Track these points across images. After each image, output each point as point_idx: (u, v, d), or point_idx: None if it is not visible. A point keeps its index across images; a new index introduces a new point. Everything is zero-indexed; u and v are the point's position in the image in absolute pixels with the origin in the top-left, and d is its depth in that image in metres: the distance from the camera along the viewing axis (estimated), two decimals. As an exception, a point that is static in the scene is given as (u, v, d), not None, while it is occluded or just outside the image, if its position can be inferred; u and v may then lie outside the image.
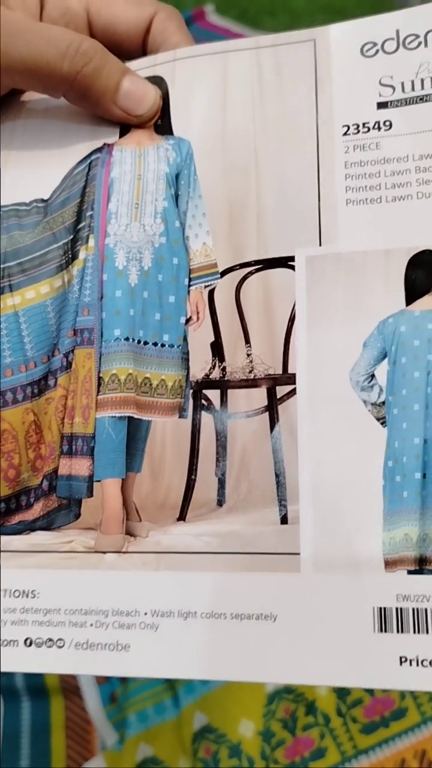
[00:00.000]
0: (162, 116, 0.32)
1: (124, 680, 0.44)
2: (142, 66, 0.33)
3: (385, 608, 0.24)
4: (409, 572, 0.25)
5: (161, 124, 0.32)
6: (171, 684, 0.42)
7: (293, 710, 0.40)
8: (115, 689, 0.44)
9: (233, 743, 0.40)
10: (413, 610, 0.24)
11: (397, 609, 0.24)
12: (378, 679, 0.24)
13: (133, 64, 0.33)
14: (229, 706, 0.41)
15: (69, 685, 0.45)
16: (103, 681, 0.45)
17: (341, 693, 0.40)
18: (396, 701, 0.40)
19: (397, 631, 0.24)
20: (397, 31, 0.30)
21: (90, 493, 0.28)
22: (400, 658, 0.24)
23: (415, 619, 0.24)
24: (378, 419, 0.26)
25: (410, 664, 0.24)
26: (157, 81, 0.32)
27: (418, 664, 0.23)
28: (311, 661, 0.24)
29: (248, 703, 0.40)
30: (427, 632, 0.24)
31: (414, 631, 0.24)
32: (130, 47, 0.34)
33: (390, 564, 0.25)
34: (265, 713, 0.40)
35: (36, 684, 0.45)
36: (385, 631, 0.24)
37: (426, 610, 0.24)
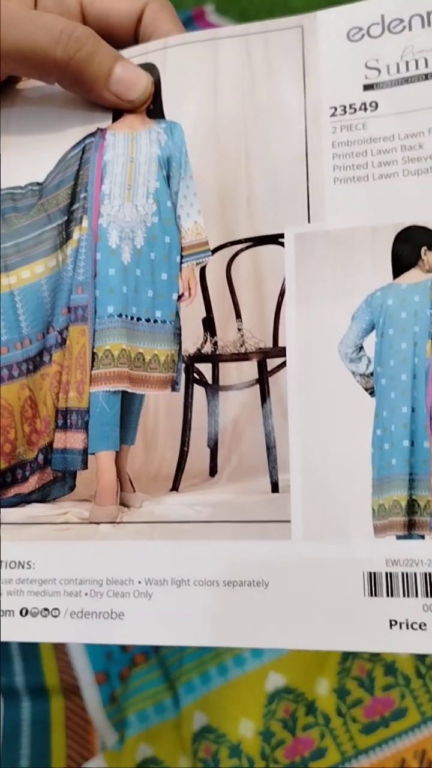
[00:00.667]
0: (154, 102, 0.32)
1: (124, 680, 0.43)
2: (134, 54, 0.33)
3: (374, 573, 0.24)
4: (398, 537, 0.25)
5: (153, 109, 0.32)
6: (171, 684, 0.42)
7: (293, 710, 0.40)
8: (115, 689, 0.44)
9: (233, 743, 0.40)
10: (402, 574, 0.24)
11: (386, 573, 0.24)
12: (368, 643, 0.24)
13: (126, 53, 0.33)
14: (229, 706, 0.40)
15: (69, 685, 0.44)
16: (103, 681, 0.44)
17: (341, 693, 0.40)
18: (396, 701, 0.39)
19: (387, 595, 0.24)
20: (382, 16, 0.30)
21: (85, 466, 0.28)
22: (390, 621, 0.24)
23: (404, 583, 0.24)
24: (366, 389, 0.26)
25: (399, 627, 0.24)
26: (149, 68, 0.32)
27: (407, 627, 0.23)
28: (303, 626, 0.24)
29: (248, 702, 0.40)
30: (416, 595, 0.24)
31: (403, 595, 0.24)
32: (123, 36, 0.34)
33: (379, 530, 0.25)
34: (265, 713, 0.40)
35: (36, 684, 0.44)
36: (375, 595, 0.24)
37: (415, 574, 0.24)
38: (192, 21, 1.17)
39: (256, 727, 0.39)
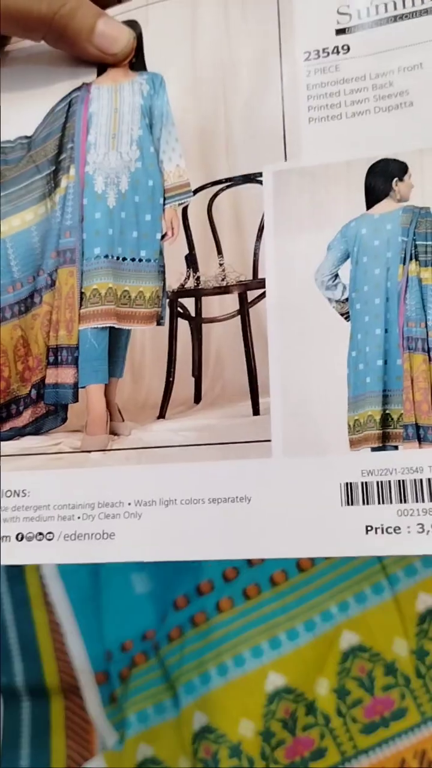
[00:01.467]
0: (136, 55, 0.33)
1: (124, 680, 0.43)
2: (117, 12, 0.34)
3: (351, 483, 0.25)
4: (373, 449, 0.26)
5: (136, 62, 0.33)
6: (171, 684, 0.42)
7: (293, 710, 0.39)
8: (114, 689, 0.43)
9: (233, 743, 0.39)
10: (377, 483, 0.25)
11: (362, 483, 0.25)
12: (346, 548, 0.25)
13: (110, 11, 0.34)
14: (229, 705, 0.40)
15: (69, 685, 0.44)
16: (102, 681, 0.44)
17: (341, 693, 0.39)
18: (396, 701, 0.39)
19: (363, 503, 0.25)
20: (353, -36, 0.31)
21: (75, 399, 0.29)
22: (366, 527, 0.25)
23: (379, 491, 0.25)
24: (342, 315, 0.27)
25: (375, 532, 0.24)
26: (132, 24, 0.33)
27: (382, 532, 0.24)
28: (284, 536, 0.25)
29: (248, 702, 0.40)
30: (391, 502, 0.25)
31: (378, 503, 0.25)
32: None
33: (355, 443, 0.26)
34: (265, 713, 0.39)
35: (36, 684, 0.44)
36: (352, 504, 0.25)
37: (389, 482, 0.25)
38: None
39: (256, 727, 0.39)
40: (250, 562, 0.41)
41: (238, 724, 0.39)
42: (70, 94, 0.33)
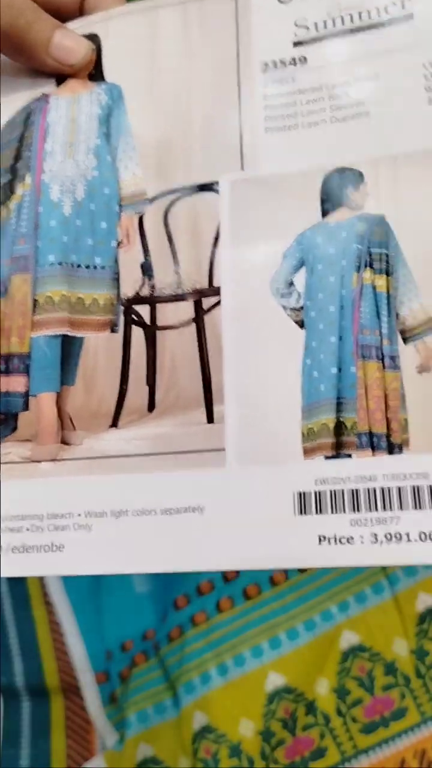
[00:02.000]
0: (96, 68, 0.33)
1: (124, 680, 0.43)
2: (77, 26, 0.34)
3: (304, 492, 0.24)
4: (327, 458, 0.25)
5: (95, 74, 0.33)
6: (171, 684, 0.42)
7: (293, 710, 0.39)
8: (115, 689, 0.43)
9: (233, 743, 0.39)
10: (330, 492, 0.24)
11: (315, 492, 0.24)
12: (299, 560, 0.24)
13: (71, 25, 0.34)
14: (229, 705, 0.40)
15: (69, 685, 0.44)
16: (103, 681, 0.44)
17: (341, 693, 0.39)
18: (396, 701, 0.39)
19: (316, 512, 0.24)
20: (311, -22, 0.32)
21: (26, 407, 0.28)
22: (319, 537, 0.24)
23: (332, 500, 0.24)
24: (297, 323, 0.27)
25: (328, 543, 0.24)
26: (91, 37, 0.33)
27: (335, 542, 0.24)
28: (238, 547, 0.25)
29: (248, 702, 0.40)
30: (344, 511, 0.24)
31: (331, 512, 0.24)
32: (69, 12, 0.35)
33: (309, 451, 0.25)
34: (265, 713, 0.39)
35: (36, 684, 0.44)
36: (305, 513, 0.24)
37: (342, 491, 0.24)
38: None
39: (256, 727, 0.39)
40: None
41: (238, 723, 0.39)
42: (29, 104, 0.33)
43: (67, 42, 0.32)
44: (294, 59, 0.30)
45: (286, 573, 0.42)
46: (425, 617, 0.40)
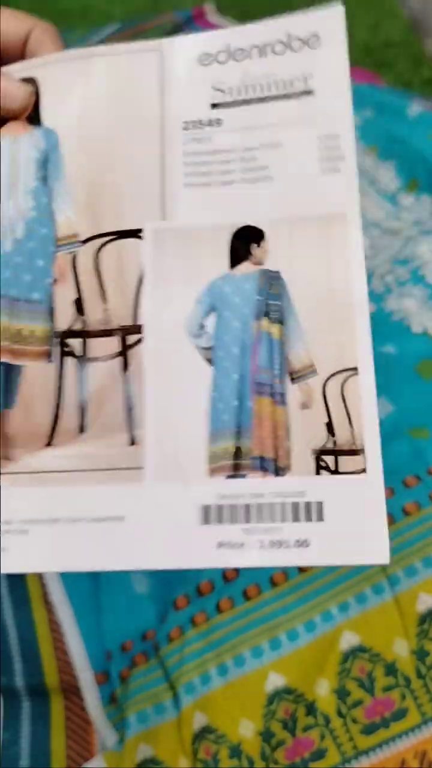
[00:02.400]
0: (34, 110, 0.36)
1: (124, 681, 0.42)
2: (20, 68, 0.37)
3: (207, 506, 0.30)
4: (227, 477, 0.31)
5: (33, 116, 0.36)
6: (171, 684, 0.41)
7: (293, 711, 0.39)
8: (114, 689, 0.43)
9: (233, 744, 0.39)
10: (229, 505, 0.30)
11: (217, 505, 0.30)
12: (201, 561, 0.30)
13: (13, 67, 0.37)
14: (229, 706, 0.39)
15: (69, 686, 0.43)
16: (103, 681, 0.43)
17: (341, 693, 0.39)
18: (396, 702, 0.39)
19: (216, 523, 0.30)
20: (228, 45, 0.35)
21: (-30, 427, 0.32)
22: (218, 542, 0.29)
23: (231, 512, 0.30)
24: (206, 360, 0.32)
25: (225, 547, 0.29)
26: (29, 80, 0.36)
27: (231, 547, 0.29)
28: (151, 549, 0.30)
29: (248, 703, 0.39)
30: (239, 522, 0.30)
31: (229, 522, 0.30)
32: (11, 54, 0.38)
33: (213, 471, 0.30)
34: (265, 713, 0.39)
35: (36, 684, 0.44)
36: (208, 523, 0.30)
37: (238, 505, 0.30)
38: (192, 21, 1.14)
39: (256, 728, 0.39)
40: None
41: (238, 724, 0.39)
42: (-30, 141, 0.35)
43: (10, 88, 0.35)
44: (211, 120, 0.34)
45: (286, 573, 0.41)
46: (426, 618, 0.40)
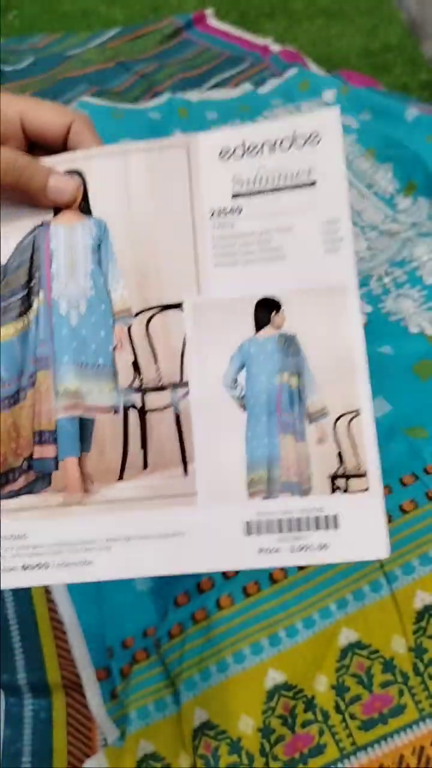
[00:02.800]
0: (84, 199, 0.44)
1: (125, 677, 0.43)
2: (63, 161, 0.44)
3: (249, 521, 0.39)
4: (263, 498, 0.39)
5: (83, 206, 0.44)
6: (171, 680, 0.42)
7: (292, 707, 0.39)
8: (116, 686, 0.44)
9: (233, 739, 0.39)
10: (266, 521, 0.39)
11: (256, 521, 0.39)
12: (246, 564, 0.39)
13: (60, 157, 0.44)
14: (229, 702, 0.40)
15: (70, 682, 0.44)
16: (104, 677, 0.44)
17: (340, 690, 0.39)
18: (394, 698, 0.39)
19: (257, 534, 0.39)
20: (243, 141, 0.43)
21: (56, 468, 0.41)
22: (259, 549, 0.38)
23: (267, 526, 0.39)
24: (241, 406, 0.41)
25: (265, 552, 0.38)
26: (76, 173, 0.44)
27: (269, 552, 0.38)
28: (206, 556, 0.39)
29: (248, 699, 0.40)
30: (274, 533, 0.39)
31: (267, 533, 0.39)
32: (55, 144, 0.45)
33: (252, 494, 0.39)
34: (264, 710, 0.40)
35: (38, 681, 0.45)
36: (250, 534, 0.39)
37: (273, 520, 0.39)
38: (192, 24, 1.18)
39: (256, 724, 0.39)
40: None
41: (238, 720, 0.40)
42: (33, 230, 0.43)
43: (60, 184, 0.42)
44: (233, 209, 0.43)
45: (286, 571, 0.43)
46: (423, 615, 0.40)
